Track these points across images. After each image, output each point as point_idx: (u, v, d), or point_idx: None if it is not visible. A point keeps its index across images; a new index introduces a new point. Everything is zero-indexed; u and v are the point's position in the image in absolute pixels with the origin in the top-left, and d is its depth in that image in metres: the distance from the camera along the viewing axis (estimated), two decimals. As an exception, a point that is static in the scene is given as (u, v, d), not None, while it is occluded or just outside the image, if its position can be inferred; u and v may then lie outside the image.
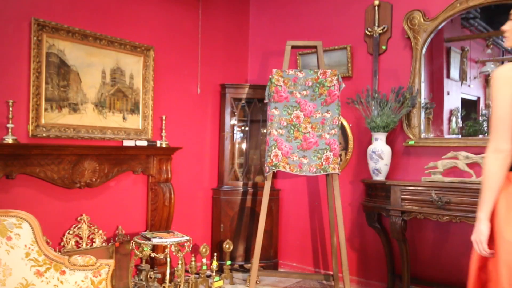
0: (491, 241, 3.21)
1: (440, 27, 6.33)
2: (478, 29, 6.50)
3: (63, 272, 4.08)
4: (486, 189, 3.18)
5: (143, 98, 6.59)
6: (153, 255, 5.85)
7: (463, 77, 6.62)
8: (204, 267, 6.59)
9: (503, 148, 3.10)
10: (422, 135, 6.43)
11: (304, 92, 6.36)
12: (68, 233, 5.83)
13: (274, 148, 6.29)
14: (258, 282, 6.85)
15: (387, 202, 6.03)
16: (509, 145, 3.11)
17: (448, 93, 6.56)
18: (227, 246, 7.00)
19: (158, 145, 6.63)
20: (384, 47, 6.82)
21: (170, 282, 5.89)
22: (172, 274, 6.23)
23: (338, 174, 6.30)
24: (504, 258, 3.08)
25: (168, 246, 5.74)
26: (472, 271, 3.40)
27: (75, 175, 5.77)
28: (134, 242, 5.86)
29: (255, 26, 8.40)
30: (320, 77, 6.34)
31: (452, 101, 6.59)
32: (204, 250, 6.66)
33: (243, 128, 8.02)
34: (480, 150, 5.88)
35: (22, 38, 5.44)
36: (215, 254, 7.00)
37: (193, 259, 6.46)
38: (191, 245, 5.95)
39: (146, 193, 6.75)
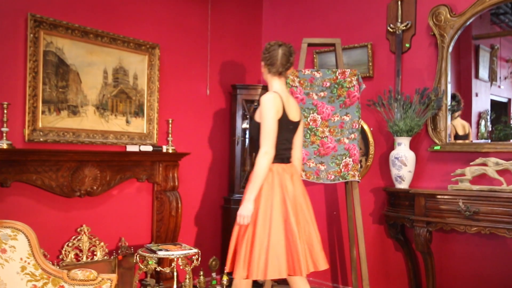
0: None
1: (468, 23, 6.27)
2: (509, 25, 6.46)
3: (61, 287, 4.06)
4: (257, 179, 4.72)
5: (148, 100, 6.59)
6: (158, 269, 5.82)
7: (492, 77, 6.56)
8: (214, 282, 6.55)
9: (271, 151, 4.73)
10: (449, 140, 6.37)
11: (322, 94, 6.32)
12: (67, 245, 5.81)
13: (289, 154, 6.23)
14: (271, 298, 6.82)
15: (411, 212, 6.02)
16: (273, 150, 4.76)
17: (476, 95, 6.51)
18: (238, 259, 6.94)
19: (164, 150, 6.61)
20: (407, 45, 6.77)
21: (177, 298, 5.85)
22: (179, 289, 6.20)
23: (358, 181, 6.27)
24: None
25: (175, 259, 5.70)
26: (233, 240, 4.88)
27: (75, 183, 5.75)
28: (138, 255, 5.82)
29: (268, 23, 8.39)
30: (339, 77, 6.29)
31: (480, 103, 6.54)
32: (213, 263, 6.62)
33: (255, 132, 7.92)
34: (511, 156, 5.82)
35: (18, 35, 5.42)
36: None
37: (201, 273, 6.43)
38: (199, 258, 5.91)
39: (151, 202, 6.74)
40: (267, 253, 4.64)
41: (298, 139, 5.18)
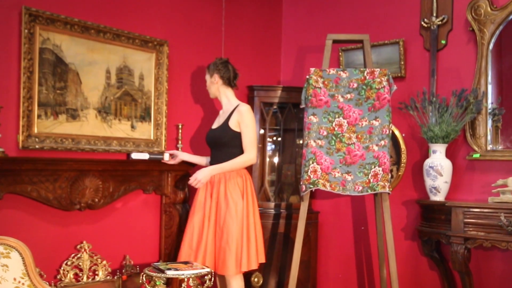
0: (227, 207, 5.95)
1: (510, 17, 6.26)
2: (557, 19, 6.37)
3: (59, 311, 4.05)
4: (231, 168, 6.03)
5: (156, 102, 6.55)
6: (167, 290, 5.76)
7: (538, 77, 6.50)
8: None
9: (256, 160, 6.17)
10: (489, 147, 6.35)
11: (348, 96, 6.28)
12: (66, 264, 5.75)
13: (312, 163, 6.19)
14: (292, 322, 6.79)
15: (447, 227, 5.97)
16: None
17: (520, 96, 6.44)
18: (255, 279, 6.91)
19: (174, 158, 6.54)
20: (443, 42, 6.73)
21: (187, 322, 5.77)
22: (190, 313, 6.12)
23: (389, 193, 6.23)
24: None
25: (186, 279, 5.61)
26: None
27: (74, 195, 5.70)
28: (144, 275, 5.71)
29: (289, 17, 8.35)
30: (367, 77, 6.27)
31: (525, 105, 6.46)
32: (255, 280, 6.57)
33: (275, 138, 7.96)
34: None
35: (11, 31, 5.35)
36: (241, 288, 6.86)
37: (214, 294, 6.36)
38: (212, 278, 5.83)
39: (159, 216, 6.68)
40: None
41: None
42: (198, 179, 5.98)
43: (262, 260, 6.15)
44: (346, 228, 7.60)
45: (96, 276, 5.94)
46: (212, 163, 6.18)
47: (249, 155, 6.02)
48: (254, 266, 5.98)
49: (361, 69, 6.33)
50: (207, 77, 6.37)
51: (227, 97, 6.29)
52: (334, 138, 6.24)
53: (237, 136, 6.05)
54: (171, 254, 6.58)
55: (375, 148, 6.18)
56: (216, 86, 6.30)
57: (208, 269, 5.71)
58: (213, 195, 5.99)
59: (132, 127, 6.33)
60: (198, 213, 6.02)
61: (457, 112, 6.27)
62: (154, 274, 5.59)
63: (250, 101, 7.56)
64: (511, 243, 5.41)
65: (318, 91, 6.26)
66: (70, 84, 5.76)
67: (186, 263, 5.88)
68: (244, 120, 6.01)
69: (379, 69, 6.27)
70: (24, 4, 5.36)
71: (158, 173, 6.48)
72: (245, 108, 6.10)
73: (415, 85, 6.85)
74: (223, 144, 6.10)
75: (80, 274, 5.83)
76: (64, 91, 5.70)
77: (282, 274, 7.34)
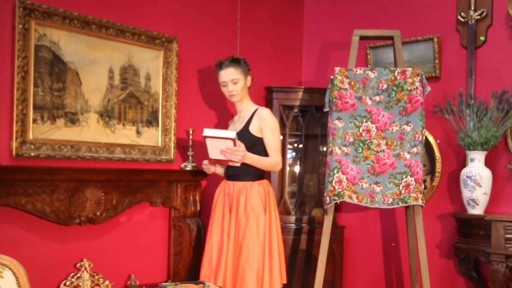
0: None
1: None
2: None
3: (57, 336, 4.03)
4: (262, 164, 5.95)
5: (164, 105, 6.53)
6: (176, 313, 5.69)
7: None
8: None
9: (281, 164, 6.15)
10: (534, 155, 6.21)
11: (377, 98, 6.24)
12: (64, 284, 5.71)
13: (337, 172, 6.15)
14: None
15: (487, 244, 5.93)
16: None
17: None
18: (274, 301, 6.82)
19: (183, 167, 6.51)
20: (482, 38, 6.66)
21: None
22: (201, 338, 6.06)
23: (422, 206, 6.15)
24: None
25: (196, 301, 5.55)
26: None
27: (74, 208, 5.65)
28: (151, 296, 5.70)
29: (311, 11, 8.33)
30: (398, 77, 6.22)
31: None
32: None
33: (296, 145, 7.94)
34: None
35: (3, 26, 5.31)
36: (259, 311, 6.78)
37: (228, 318, 6.28)
38: (226, 300, 5.78)
39: (167, 232, 6.65)
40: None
41: None
42: (241, 157, 5.70)
43: (284, 280, 5.96)
44: (374, 245, 7.58)
45: (97, 298, 5.90)
46: (229, 172, 6.07)
47: (278, 159, 5.98)
48: (278, 287, 5.85)
49: (391, 68, 6.27)
50: (240, 77, 6.09)
51: (247, 101, 6.22)
52: (361, 145, 6.21)
53: (259, 142, 5.96)
54: (180, 273, 6.53)
55: (407, 156, 6.13)
56: (245, 88, 6.18)
57: (222, 290, 5.66)
58: (232, 209, 5.89)
59: (138, 132, 6.31)
60: (216, 229, 5.93)
61: (497, 116, 6.21)
62: (162, 295, 5.55)
63: (268, 103, 7.56)
64: (557, 261, 5.37)
65: (343, 92, 6.22)
66: (69, 85, 5.74)
67: (197, 283, 5.81)
68: (267, 125, 5.94)
69: (411, 69, 6.21)
70: (18, -3, 5.32)
71: (167, 184, 6.44)
72: (266, 112, 6.03)
73: (451, 86, 6.81)
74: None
75: (80, 296, 5.77)
76: (62, 93, 5.68)
77: (303, 295, 7.26)
